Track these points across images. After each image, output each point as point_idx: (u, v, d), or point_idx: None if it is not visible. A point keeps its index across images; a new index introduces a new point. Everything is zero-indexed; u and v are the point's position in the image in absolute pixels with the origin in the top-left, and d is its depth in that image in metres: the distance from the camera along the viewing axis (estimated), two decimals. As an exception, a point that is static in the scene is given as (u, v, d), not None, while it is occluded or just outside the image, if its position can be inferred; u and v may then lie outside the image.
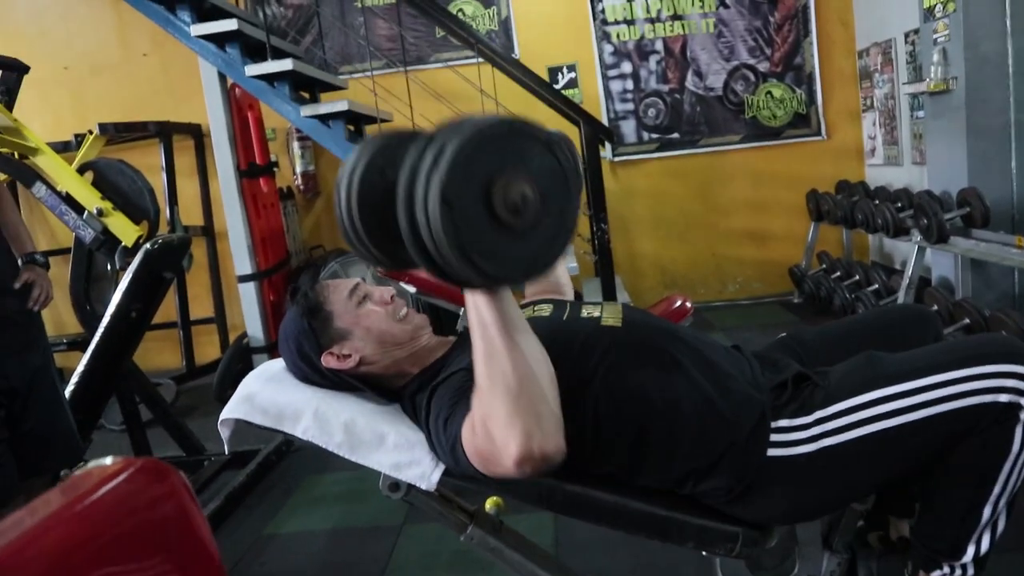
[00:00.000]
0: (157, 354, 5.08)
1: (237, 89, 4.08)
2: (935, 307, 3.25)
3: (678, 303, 2.64)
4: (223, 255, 4.77)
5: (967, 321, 3.01)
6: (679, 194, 4.97)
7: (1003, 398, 1.11)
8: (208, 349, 4.89)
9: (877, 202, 3.85)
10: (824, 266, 4.50)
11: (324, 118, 3.79)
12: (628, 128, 4.91)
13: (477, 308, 0.98)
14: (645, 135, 4.92)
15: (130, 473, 0.51)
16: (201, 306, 4.91)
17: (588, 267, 4.10)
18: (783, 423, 1.19)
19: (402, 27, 4.63)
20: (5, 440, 1.73)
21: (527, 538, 1.45)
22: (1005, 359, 1.13)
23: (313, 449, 1.29)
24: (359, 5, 4.83)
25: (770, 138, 4.89)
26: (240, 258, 4.06)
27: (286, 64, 3.65)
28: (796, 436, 1.18)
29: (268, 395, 1.33)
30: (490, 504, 1.62)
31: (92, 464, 0.51)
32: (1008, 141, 3.41)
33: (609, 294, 3.69)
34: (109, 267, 3.24)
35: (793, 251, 4.82)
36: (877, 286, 3.84)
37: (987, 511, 1.18)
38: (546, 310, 1.37)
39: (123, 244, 2.98)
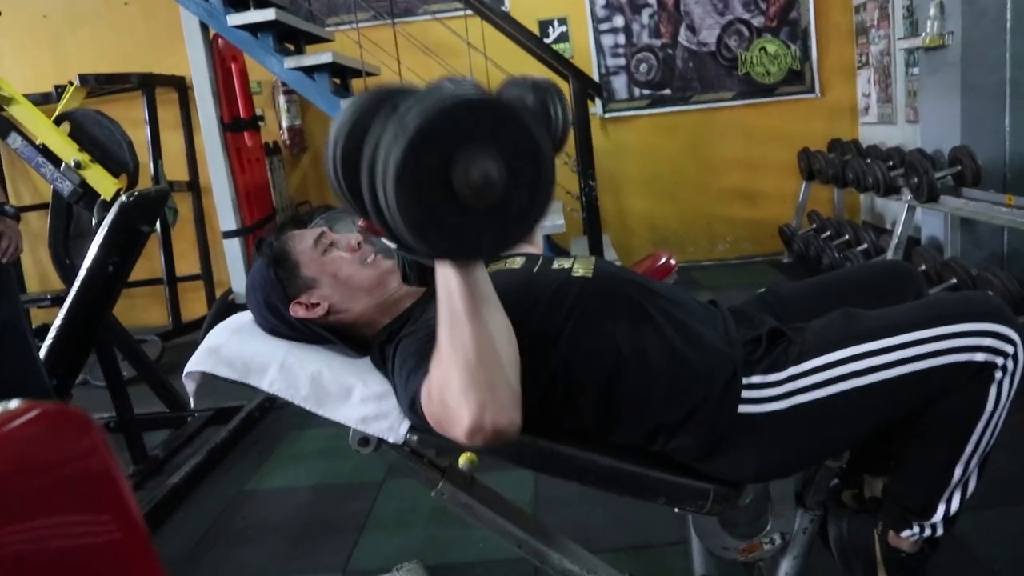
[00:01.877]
0: (144, 311, 5.06)
1: (220, 40, 3.99)
2: (923, 267, 3.23)
3: (663, 259, 2.60)
4: (209, 210, 4.70)
5: (954, 281, 2.99)
6: (670, 152, 4.91)
7: (979, 357, 1.09)
8: (195, 306, 4.86)
9: (868, 161, 3.80)
10: (814, 225, 4.47)
11: (309, 70, 3.71)
12: (619, 84, 4.83)
13: (444, 276, 0.95)
14: (636, 91, 4.84)
15: (30, 418, 0.48)
16: (187, 262, 4.86)
17: (576, 224, 4.05)
18: (756, 379, 1.17)
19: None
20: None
21: (502, 495, 1.44)
22: (982, 318, 1.11)
23: (294, 405, 1.26)
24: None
25: (763, 95, 4.82)
26: (224, 213, 4.00)
27: (269, 14, 3.55)
28: (768, 393, 1.16)
29: (234, 347, 1.31)
30: (464, 460, 1.60)
31: (-8, 408, 0.48)
32: (1003, 99, 3.36)
33: (596, 251, 3.66)
34: (94, 222, 3.19)
35: (784, 210, 4.78)
36: (866, 246, 3.82)
37: (958, 471, 1.17)
38: (517, 263, 1.34)
39: (102, 197, 2.93)
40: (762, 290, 1.50)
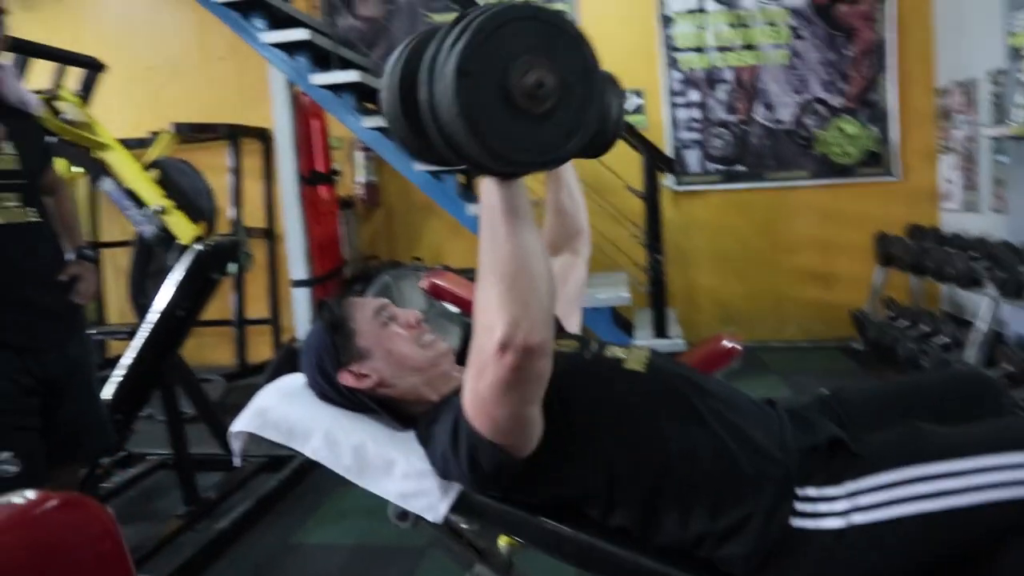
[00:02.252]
0: (212, 350, 5.20)
1: (304, 97, 4.16)
2: (1007, 366, 3.06)
3: (727, 343, 2.54)
4: (282, 258, 4.85)
5: (1039, 384, 2.82)
6: (741, 228, 4.84)
7: None
8: (261, 349, 4.97)
9: (949, 250, 3.66)
10: (891, 313, 4.31)
11: (385, 130, 3.83)
12: (693, 158, 4.82)
13: (487, 193, 0.97)
14: (710, 165, 4.82)
15: (51, 507, 0.49)
16: (258, 306, 5.00)
17: (641, 298, 4.01)
18: (811, 491, 1.11)
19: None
20: (37, 429, 1.77)
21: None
22: None
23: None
24: (430, 21, 4.88)
25: (840, 176, 4.73)
26: (295, 263, 4.13)
27: (352, 75, 3.70)
28: (824, 508, 1.10)
29: (281, 410, 1.32)
30: (503, 541, 1.57)
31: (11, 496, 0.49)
32: (1097, 194, 3.21)
33: (660, 327, 3.62)
34: (170, 265, 3.33)
35: (858, 295, 4.63)
36: (946, 339, 3.65)
37: None
38: (568, 346, 1.32)
39: (180, 242, 3.05)
40: (825, 392, 1.43)
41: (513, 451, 1.08)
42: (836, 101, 4.71)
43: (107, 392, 2.46)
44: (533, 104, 0.86)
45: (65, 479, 1.91)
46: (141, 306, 3.43)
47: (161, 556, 2.35)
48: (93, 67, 3.16)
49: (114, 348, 4.76)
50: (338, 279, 4.47)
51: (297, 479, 2.89)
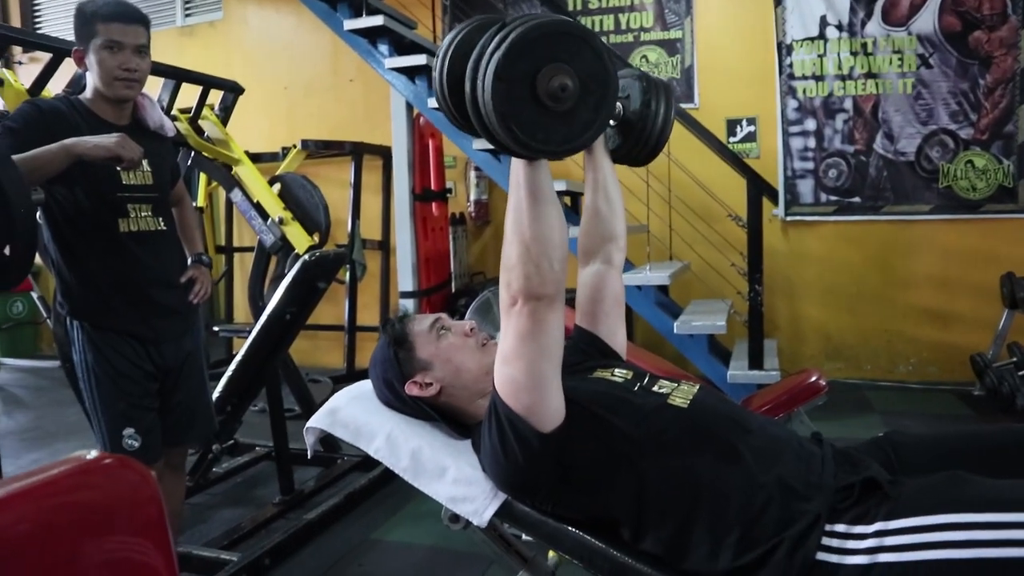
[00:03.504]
0: (325, 353, 5.54)
1: (422, 119, 4.39)
2: None
3: (813, 378, 2.49)
4: (394, 269, 5.10)
5: None
6: (854, 261, 4.67)
7: None
8: (370, 354, 5.22)
9: (1081, 296, 3.41)
10: (1014, 359, 4.03)
11: (495, 152, 3.98)
12: (806, 187, 4.70)
13: (515, 172, 1.14)
14: (823, 196, 4.68)
15: (93, 466, 0.61)
16: (369, 314, 5.28)
17: (740, 328, 3.95)
18: (840, 528, 1.12)
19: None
20: (156, 409, 2.01)
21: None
22: None
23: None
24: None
25: (966, 211, 4.48)
26: (404, 275, 4.34)
27: (465, 99, 3.87)
28: (851, 544, 1.11)
29: (351, 412, 1.45)
30: (552, 555, 1.64)
31: (74, 454, 0.62)
32: None
33: (756, 358, 3.56)
34: (286, 271, 3.60)
35: (980, 338, 4.35)
36: (1071, 390, 3.40)
37: None
38: (620, 376, 1.38)
39: (296, 251, 3.30)
40: (880, 434, 1.42)
41: (536, 420, 1.18)
42: (965, 133, 4.47)
43: (219, 385, 2.71)
44: (557, 103, 1.04)
45: (175, 459, 2.14)
46: (257, 308, 3.72)
47: (254, 538, 2.55)
48: (233, 90, 3.48)
49: (238, 345, 5.14)
50: (444, 292, 4.66)
51: (386, 479, 3.05)
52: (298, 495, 2.91)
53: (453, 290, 4.85)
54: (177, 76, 3.12)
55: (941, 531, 1.07)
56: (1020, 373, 3.81)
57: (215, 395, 2.70)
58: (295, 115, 5.69)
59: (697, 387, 1.34)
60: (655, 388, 1.33)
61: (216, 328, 5.02)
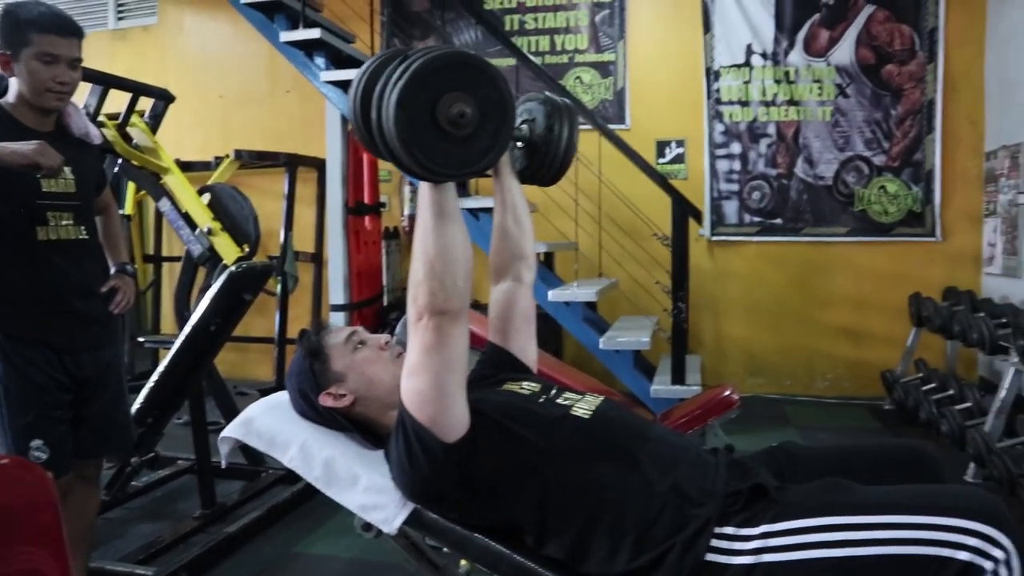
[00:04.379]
0: (256, 365, 5.47)
1: (357, 132, 4.40)
2: (1024, 437, 3.02)
3: (726, 393, 2.60)
4: (327, 282, 5.07)
5: (1055, 458, 2.78)
6: (775, 281, 4.86)
7: (962, 556, 1.07)
8: (299, 367, 5.17)
9: (978, 315, 3.63)
10: (920, 375, 4.26)
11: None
12: (730, 208, 4.88)
13: (422, 193, 1.21)
14: (747, 217, 4.86)
15: None
16: (300, 327, 5.20)
17: (666, 344, 4.06)
18: (728, 530, 1.20)
19: (519, 89, 4.83)
20: (67, 421, 1.97)
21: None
22: (975, 517, 1.09)
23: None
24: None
25: (879, 234, 4.71)
26: (335, 288, 4.32)
27: (399, 115, 3.91)
28: (738, 546, 1.18)
29: (266, 422, 1.47)
30: (464, 563, 1.68)
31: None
32: None
33: (678, 373, 3.67)
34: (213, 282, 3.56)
35: (891, 355, 4.58)
36: (969, 404, 3.60)
37: None
38: (528, 389, 1.43)
39: (224, 262, 3.27)
40: (774, 445, 1.50)
41: (440, 432, 1.22)
42: (878, 159, 4.71)
43: (140, 396, 2.66)
44: (456, 129, 1.11)
45: (88, 471, 2.10)
46: (183, 319, 3.66)
47: (172, 552, 2.51)
48: (163, 98, 3.44)
49: (164, 356, 5.02)
50: (376, 306, 4.66)
51: (310, 493, 3.03)
52: (220, 508, 2.87)
53: (385, 303, 4.85)
54: (106, 82, 3.07)
55: (818, 532, 1.15)
56: (924, 388, 4.02)
57: (135, 407, 2.65)
58: (230, 125, 5.62)
59: (601, 399, 1.41)
60: (560, 400, 1.38)
61: (142, 339, 4.90)
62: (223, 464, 1.52)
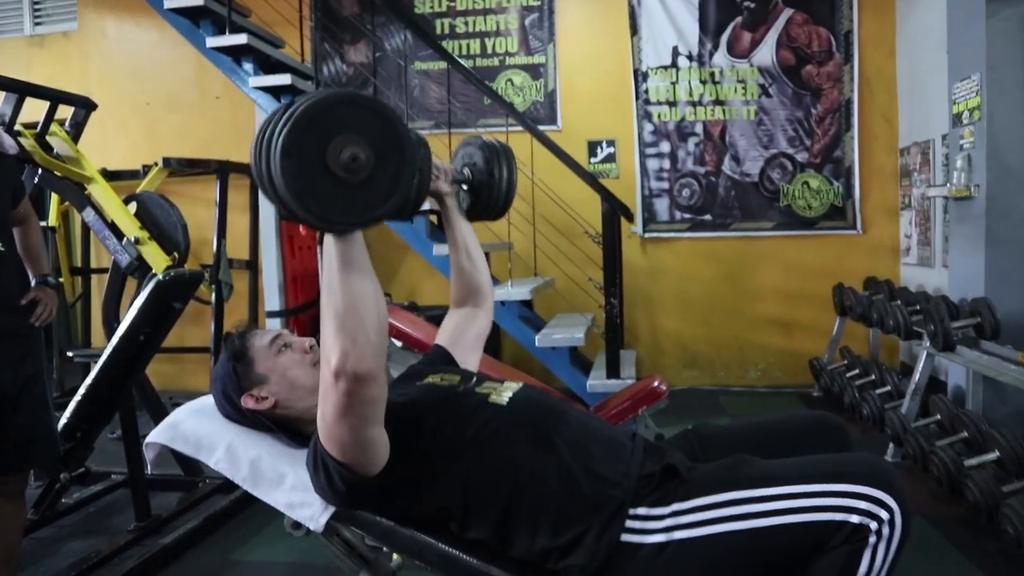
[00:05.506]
0: (193, 376, 5.37)
1: (289, 137, 4.37)
2: (937, 416, 3.19)
3: (655, 384, 2.68)
4: (263, 289, 5.02)
5: (965, 434, 2.94)
6: (707, 275, 5.00)
7: (854, 519, 1.13)
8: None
9: (895, 303, 3.81)
10: (845, 362, 4.44)
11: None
12: (661, 206, 5.00)
13: (327, 244, 1.14)
14: (678, 214, 4.99)
15: None
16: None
17: (602, 341, 4.14)
18: (641, 511, 1.25)
19: (451, 92, 4.87)
20: (-12, 437, 1.93)
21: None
22: (865, 481, 1.16)
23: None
24: (416, 68, 5.12)
25: (803, 228, 4.90)
26: (271, 294, 4.29)
27: (330, 119, 3.90)
28: (650, 525, 1.23)
29: (191, 426, 1.47)
30: (397, 557, 1.71)
31: None
32: (1029, 254, 3.35)
33: (613, 368, 3.74)
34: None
35: (819, 343, 4.76)
36: (888, 388, 3.77)
37: None
38: (449, 380, 1.47)
39: (153, 271, 3.22)
40: (689, 427, 1.57)
41: (361, 469, 1.23)
42: (801, 156, 4.90)
43: (68, 410, 2.61)
44: (350, 175, 1.03)
45: (11, 487, 2.06)
46: (112, 330, 3.58)
47: (105, 568, 2.47)
48: (84, 105, 3.36)
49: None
50: (312, 311, 4.63)
51: (249, 500, 3.01)
52: (155, 521, 2.82)
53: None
54: (20, 90, 2.99)
55: (723, 507, 1.21)
56: (848, 375, 4.19)
57: (63, 420, 2.60)
58: (157, 132, 5.51)
59: (520, 385, 1.46)
60: (479, 389, 1.42)
61: (71, 354, 4.77)
62: (148, 469, 1.52)
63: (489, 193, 1.69)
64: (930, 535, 2.62)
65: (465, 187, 1.73)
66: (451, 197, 1.74)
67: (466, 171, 1.72)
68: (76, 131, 3.46)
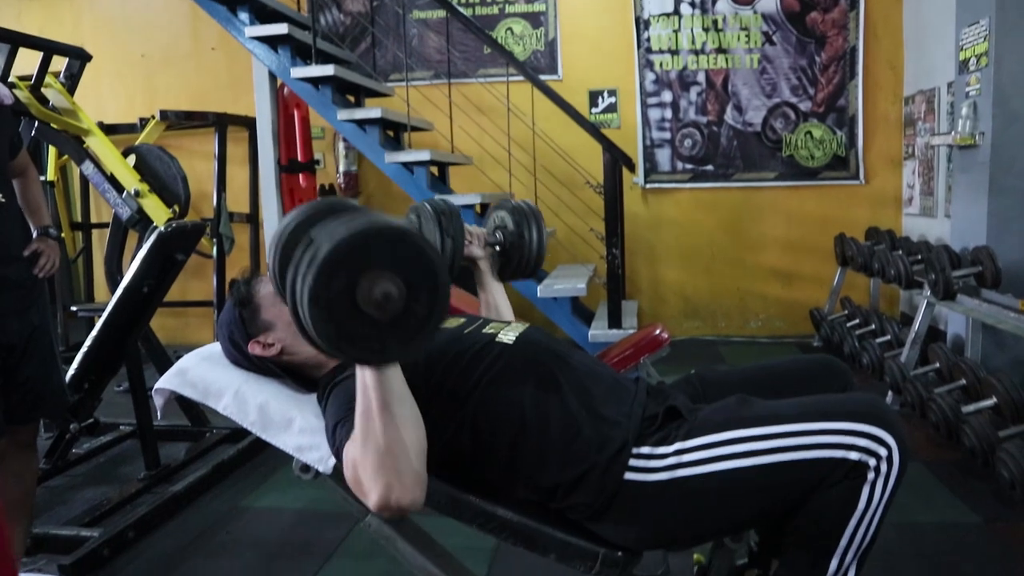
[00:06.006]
0: (196, 330, 5.41)
1: (286, 88, 4.32)
2: (937, 364, 3.21)
3: (656, 332, 2.69)
4: (264, 243, 5.02)
5: (963, 381, 2.97)
6: (709, 226, 4.99)
7: (853, 456, 1.16)
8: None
9: (896, 253, 3.81)
10: (846, 312, 4.46)
11: (361, 123, 3.99)
12: (663, 156, 4.97)
13: (361, 373, 1.10)
14: (680, 165, 4.96)
15: None
16: (239, 287, 5.16)
17: (604, 291, 4.16)
18: (645, 450, 1.27)
19: (450, 41, 4.80)
20: (-3, 386, 1.95)
21: (432, 536, 1.54)
22: (864, 419, 1.18)
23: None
24: (414, 17, 5.04)
25: (806, 178, 4.87)
26: (272, 248, 4.28)
27: (328, 69, 3.86)
28: (654, 464, 1.26)
29: (199, 372, 1.49)
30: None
31: None
32: (1032, 203, 3.34)
33: (615, 318, 3.77)
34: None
35: (820, 294, 4.78)
36: (888, 337, 3.80)
37: (834, 563, 1.21)
38: (454, 322, 1.48)
39: (154, 224, 3.21)
40: (692, 371, 1.59)
41: None
42: (804, 106, 4.84)
43: (75, 361, 2.64)
44: (384, 312, 0.98)
45: (24, 437, 2.08)
46: (115, 284, 3.59)
47: (118, 514, 2.52)
48: (79, 56, 3.32)
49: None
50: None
51: (255, 450, 3.06)
52: (164, 469, 2.87)
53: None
54: (13, 40, 2.95)
55: (726, 446, 1.23)
56: (849, 324, 4.22)
57: (71, 372, 2.63)
58: (154, 85, 5.45)
59: (526, 325, 1.47)
60: (486, 329, 1.44)
61: (75, 308, 4.80)
62: (159, 416, 1.54)
63: (520, 254, 1.79)
64: (927, 480, 2.67)
65: (497, 249, 1.82)
66: (484, 260, 1.83)
67: (498, 234, 1.82)
68: (71, 83, 3.42)
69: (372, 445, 1.09)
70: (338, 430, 1.24)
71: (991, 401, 2.72)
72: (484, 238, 1.82)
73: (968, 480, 2.64)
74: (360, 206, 1.15)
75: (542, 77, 4.59)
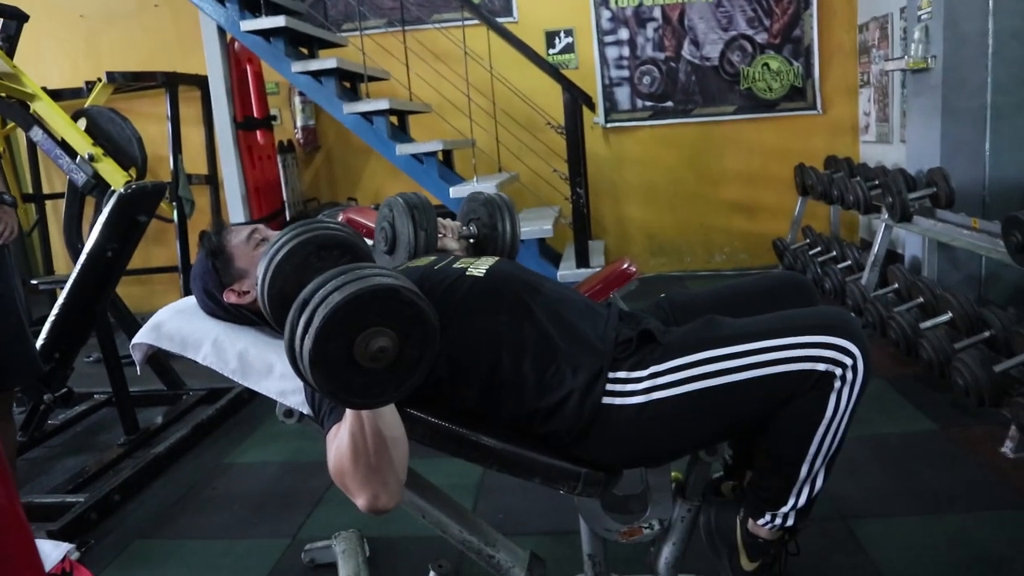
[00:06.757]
0: (162, 296, 5.31)
1: (237, 43, 4.22)
2: (895, 284, 3.31)
3: (624, 266, 2.74)
4: (225, 203, 4.94)
5: (920, 300, 3.07)
6: (670, 162, 5.02)
7: (820, 367, 1.21)
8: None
9: (855, 179, 3.88)
10: (807, 240, 4.55)
11: (316, 74, 3.92)
12: (622, 95, 4.96)
13: (352, 414, 1.14)
14: (639, 102, 4.96)
15: None
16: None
17: (570, 232, 4.19)
18: (621, 374, 1.31)
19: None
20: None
21: (420, 473, 1.57)
22: (827, 331, 1.23)
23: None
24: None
25: (764, 110, 4.91)
26: (234, 207, 4.24)
27: (279, 20, 3.77)
28: (630, 387, 1.30)
29: (175, 324, 1.49)
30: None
31: None
32: (983, 123, 3.41)
33: (582, 257, 3.81)
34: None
35: (782, 225, 4.86)
36: (849, 262, 3.90)
37: (804, 469, 1.28)
38: (425, 260, 1.50)
39: (112, 188, 3.15)
40: (663, 295, 1.63)
41: None
42: (760, 37, 4.85)
43: (43, 331, 2.60)
44: (379, 363, 1.03)
45: (-2, 405, 2.07)
46: (76, 252, 3.53)
47: (101, 480, 2.53)
48: (16, 17, 3.20)
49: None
50: (279, 221, 4.59)
51: (234, 409, 3.07)
52: (144, 433, 2.88)
53: (288, 218, 4.78)
54: (-56, 3, 2.83)
55: (699, 366, 1.27)
56: (811, 252, 4.31)
57: (40, 342, 2.60)
58: (97, 46, 5.26)
59: (496, 259, 1.49)
60: (456, 264, 1.46)
61: (36, 282, 4.70)
62: (138, 370, 1.54)
63: (494, 246, 1.79)
64: (889, 394, 2.78)
65: (471, 241, 1.82)
66: (458, 253, 1.80)
67: (471, 226, 1.82)
68: (9, 45, 3.30)
69: (363, 462, 1.14)
70: (316, 396, 1.28)
71: (947, 316, 2.83)
72: (457, 231, 1.82)
73: (926, 391, 2.76)
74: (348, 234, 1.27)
75: (498, 20, 4.53)
